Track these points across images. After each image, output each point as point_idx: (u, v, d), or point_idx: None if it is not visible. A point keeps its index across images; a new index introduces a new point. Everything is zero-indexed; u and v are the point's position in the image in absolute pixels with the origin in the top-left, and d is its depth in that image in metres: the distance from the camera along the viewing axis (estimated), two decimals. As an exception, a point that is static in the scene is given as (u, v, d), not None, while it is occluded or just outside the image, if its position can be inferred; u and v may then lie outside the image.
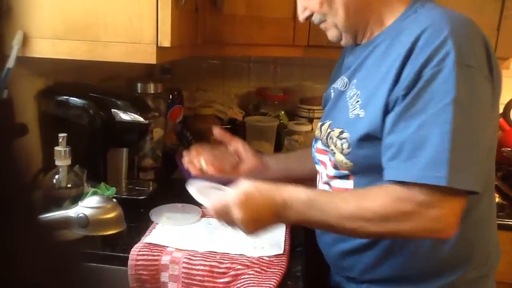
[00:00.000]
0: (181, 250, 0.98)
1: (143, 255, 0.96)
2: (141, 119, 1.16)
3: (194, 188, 0.92)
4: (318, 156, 1.01)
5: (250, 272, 0.92)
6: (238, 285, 0.91)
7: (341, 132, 0.89)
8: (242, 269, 0.93)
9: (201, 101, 1.93)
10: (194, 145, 1.15)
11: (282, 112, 1.94)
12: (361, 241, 0.91)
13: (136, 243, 0.99)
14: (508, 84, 1.01)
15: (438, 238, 0.82)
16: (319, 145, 1.00)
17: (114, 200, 0.97)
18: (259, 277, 0.91)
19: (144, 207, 1.17)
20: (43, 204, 1.02)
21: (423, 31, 0.78)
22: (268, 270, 0.93)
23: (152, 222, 1.10)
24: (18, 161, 0.29)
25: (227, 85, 2.09)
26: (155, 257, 0.96)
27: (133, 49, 1.00)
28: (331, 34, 0.95)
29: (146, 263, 0.96)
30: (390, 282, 0.92)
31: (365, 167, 0.87)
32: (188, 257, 0.95)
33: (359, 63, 0.92)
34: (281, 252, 0.99)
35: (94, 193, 1.02)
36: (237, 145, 1.15)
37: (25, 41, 1.01)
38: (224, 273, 0.93)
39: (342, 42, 0.95)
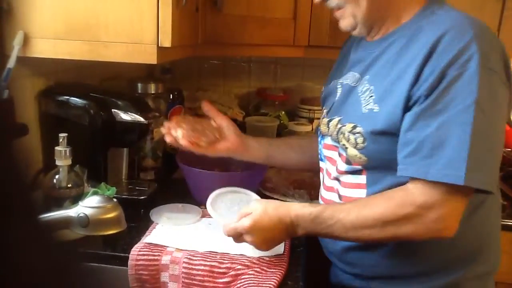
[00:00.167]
0: (181, 250, 0.98)
1: (143, 255, 0.96)
2: (141, 119, 1.16)
3: (209, 204, 1.02)
4: (326, 152, 1.01)
5: (250, 272, 0.92)
6: (238, 285, 0.91)
7: (354, 127, 0.89)
8: (242, 269, 0.93)
9: (201, 101, 1.92)
10: (177, 116, 1.15)
11: (283, 112, 1.94)
12: None
13: (136, 243, 1.00)
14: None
15: (439, 238, 0.83)
16: (327, 141, 1.00)
17: (115, 200, 0.97)
18: (259, 277, 0.91)
19: (144, 207, 1.17)
20: (43, 204, 1.02)
21: (446, 33, 0.79)
22: (268, 270, 0.93)
23: (152, 222, 1.10)
24: (18, 161, 0.29)
25: (227, 85, 2.09)
26: (155, 257, 0.96)
27: (133, 49, 1.00)
28: (345, 23, 0.94)
29: (146, 263, 0.96)
30: (395, 278, 0.93)
31: (379, 162, 0.88)
32: (188, 257, 0.95)
33: (373, 58, 0.92)
34: (281, 252, 0.99)
35: (95, 193, 1.02)
36: (221, 122, 1.14)
37: (26, 41, 1.01)
38: (224, 273, 0.93)
39: (355, 32, 0.95)
